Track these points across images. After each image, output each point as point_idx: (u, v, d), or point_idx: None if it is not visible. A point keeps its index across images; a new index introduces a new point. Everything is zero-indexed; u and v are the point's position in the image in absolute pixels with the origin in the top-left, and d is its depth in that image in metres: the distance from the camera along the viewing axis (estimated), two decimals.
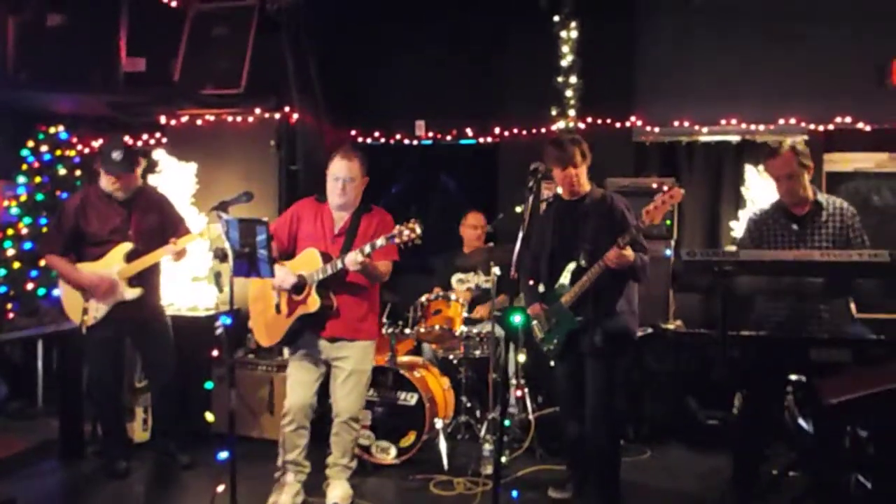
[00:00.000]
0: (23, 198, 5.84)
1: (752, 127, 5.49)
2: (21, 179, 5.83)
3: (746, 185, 5.23)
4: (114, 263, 3.92)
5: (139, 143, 6.07)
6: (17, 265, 5.73)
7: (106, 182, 3.98)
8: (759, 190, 5.06)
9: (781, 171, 3.34)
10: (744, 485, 3.53)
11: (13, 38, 5.18)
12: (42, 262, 5.74)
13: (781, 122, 5.41)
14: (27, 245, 5.78)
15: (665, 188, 3.31)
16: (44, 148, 5.87)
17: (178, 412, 4.26)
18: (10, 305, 5.70)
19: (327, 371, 3.62)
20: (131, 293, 3.94)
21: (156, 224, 4.06)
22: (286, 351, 3.82)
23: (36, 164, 5.86)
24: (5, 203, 5.83)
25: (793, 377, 3.41)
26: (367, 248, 3.27)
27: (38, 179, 5.87)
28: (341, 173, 3.52)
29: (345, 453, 3.65)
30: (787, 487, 3.56)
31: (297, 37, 5.27)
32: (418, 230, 3.18)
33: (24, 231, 5.80)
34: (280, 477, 3.64)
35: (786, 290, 3.27)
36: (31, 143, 5.86)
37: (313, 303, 3.42)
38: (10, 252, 5.74)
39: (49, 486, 3.93)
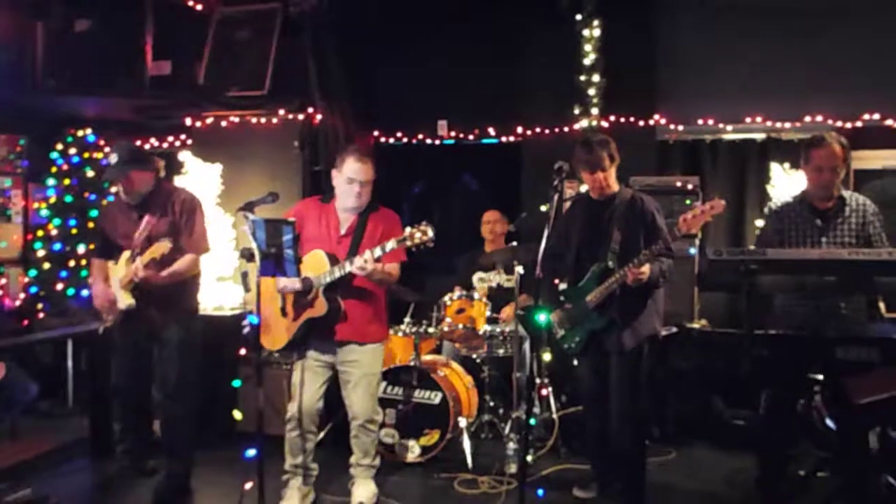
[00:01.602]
0: (52, 199, 5.96)
1: (778, 124, 5.43)
2: (50, 182, 5.95)
3: (772, 182, 5.18)
4: (120, 270, 3.78)
5: (164, 146, 6.17)
6: (46, 266, 5.85)
7: (116, 186, 3.92)
8: (785, 188, 5.01)
9: (826, 163, 3.32)
10: (770, 486, 3.50)
11: (42, 43, 5.27)
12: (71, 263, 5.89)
13: (808, 119, 5.34)
14: (56, 246, 5.90)
15: (693, 197, 3.27)
16: (72, 151, 5.98)
17: (187, 432, 3.94)
18: (40, 306, 5.82)
19: (334, 375, 3.56)
20: (123, 302, 3.69)
21: (164, 230, 3.75)
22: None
23: (65, 167, 5.97)
24: (35, 205, 5.95)
25: (819, 376, 3.39)
26: (378, 252, 3.18)
27: (66, 181, 5.99)
28: (359, 176, 3.43)
29: (366, 453, 3.64)
30: (816, 488, 3.53)
31: (319, 38, 5.31)
32: (430, 233, 3.10)
33: (54, 232, 5.92)
34: (288, 481, 3.59)
35: (807, 288, 3.25)
36: (59, 146, 5.98)
37: (321, 306, 3.34)
38: (41, 253, 5.86)
39: (80, 483, 3.99)
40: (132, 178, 3.77)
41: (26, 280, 5.85)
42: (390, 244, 3.16)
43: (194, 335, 3.91)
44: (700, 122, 5.57)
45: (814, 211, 3.41)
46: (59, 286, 5.85)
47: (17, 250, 5.83)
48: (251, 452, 2.92)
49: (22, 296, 5.82)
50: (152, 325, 3.78)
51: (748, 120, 5.47)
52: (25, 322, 5.72)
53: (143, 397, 4.07)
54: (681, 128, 5.61)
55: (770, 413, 3.59)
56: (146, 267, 3.56)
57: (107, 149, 6.13)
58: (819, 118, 5.32)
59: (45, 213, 5.95)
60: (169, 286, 3.73)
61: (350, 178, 3.44)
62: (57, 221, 5.92)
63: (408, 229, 3.14)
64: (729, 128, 5.54)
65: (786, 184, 5.03)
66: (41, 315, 5.81)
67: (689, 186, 5.09)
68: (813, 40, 5.29)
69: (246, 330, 3.24)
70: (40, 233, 5.92)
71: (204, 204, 4.00)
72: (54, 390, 5.40)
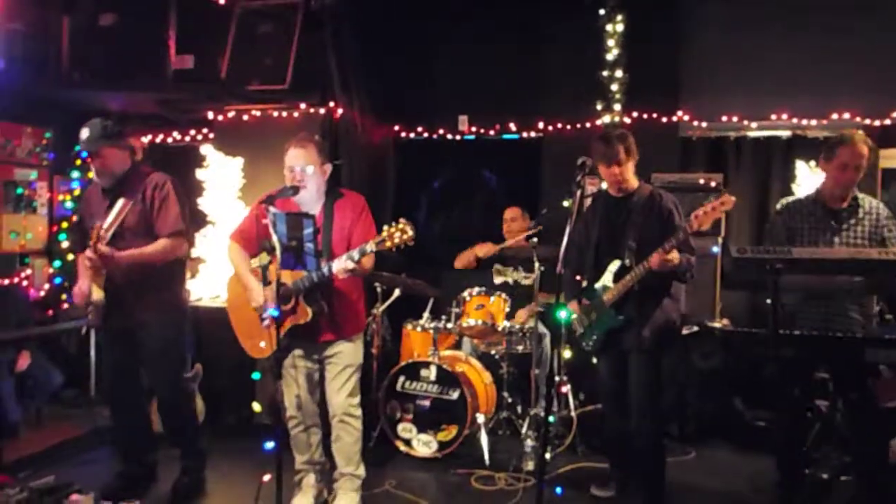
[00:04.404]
0: (76, 192, 6.03)
1: (804, 122, 5.35)
2: (74, 174, 6.03)
3: (797, 181, 5.11)
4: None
5: (187, 140, 6.21)
6: (70, 257, 5.92)
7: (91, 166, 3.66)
8: (811, 186, 4.93)
9: (852, 161, 3.28)
10: (791, 488, 3.45)
11: (67, 37, 5.32)
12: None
13: (834, 116, 5.25)
14: None
15: (714, 194, 3.24)
16: None
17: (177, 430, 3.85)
18: (64, 296, 5.90)
19: (322, 366, 3.49)
20: (95, 296, 3.49)
21: (134, 220, 3.52)
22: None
23: (89, 160, 6.01)
24: (60, 197, 6.02)
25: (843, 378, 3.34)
26: (356, 255, 3.08)
27: (90, 174, 6.01)
28: (297, 162, 3.30)
29: (349, 460, 3.46)
30: (838, 492, 3.48)
31: (340, 33, 5.31)
32: (410, 231, 2.98)
33: None
34: (300, 480, 3.56)
35: (820, 289, 3.22)
36: None
37: (304, 314, 3.25)
38: (65, 244, 5.94)
39: (102, 472, 4.01)
40: (105, 155, 3.57)
41: (51, 271, 5.92)
42: (369, 246, 3.05)
43: (178, 332, 3.72)
44: (724, 118, 5.50)
45: (828, 211, 3.37)
46: None
47: (43, 241, 5.91)
48: (270, 444, 2.93)
49: (46, 286, 5.90)
50: (129, 321, 3.57)
51: (773, 117, 5.40)
52: (50, 312, 5.81)
53: (134, 395, 3.80)
54: (704, 124, 5.55)
55: (791, 414, 3.54)
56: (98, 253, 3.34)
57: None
58: (846, 115, 5.23)
59: (69, 205, 6.02)
60: (143, 279, 3.51)
61: (289, 165, 3.34)
62: None
63: (385, 228, 3.02)
64: (754, 125, 5.47)
65: (811, 182, 4.96)
66: (65, 305, 5.89)
67: (713, 184, 5.03)
68: (840, 36, 5.20)
69: (266, 323, 3.23)
70: (65, 224, 5.99)
71: (176, 185, 3.67)
72: (78, 380, 5.47)
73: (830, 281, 3.13)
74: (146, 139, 6.23)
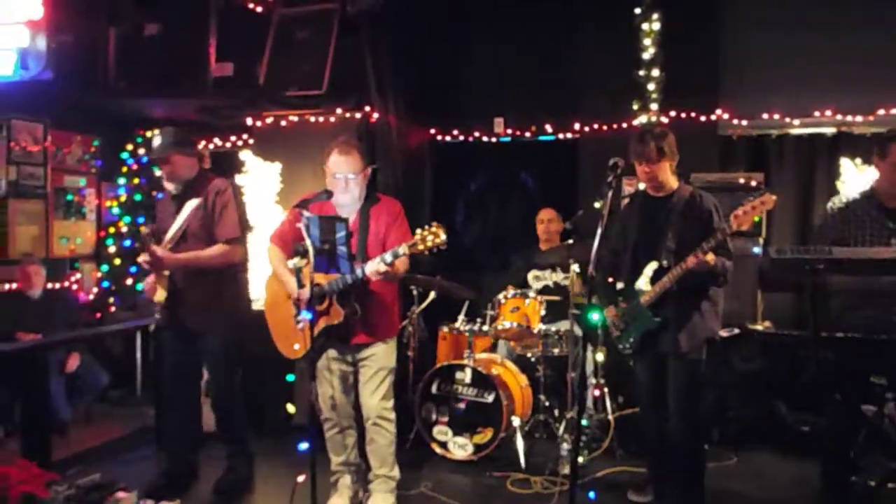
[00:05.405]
0: (123, 198, 6.23)
1: (849, 118, 5.19)
2: (121, 181, 6.22)
3: (842, 179, 4.96)
4: None
5: (227, 145, 6.34)
6: (117, 261, 6.12)
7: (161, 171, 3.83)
8: (856, 184, 4.79)
9: None
10: (835, 494, 3.36)
11: (113, 48, 5.49)
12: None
13: (881, 112, 5.08)
14: (126, 242, 6.17)
15: (754, 194, 3.15)
16: (141, 151, 6.25)
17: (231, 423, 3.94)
18: (111, 300, 6.09)
19: (356, 369, 3.50)
20: (156, 295, 3.70)
21: (197, 226, 3.67)
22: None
23: (134, 167, 6.24)
24: (107, 203, 6.22)
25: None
26: (389, 258, 3.11)
27: (136, 181, 6.25)
28: (341, 169, 3.32)
29: (383, 462, 3.48)
30: (885, 499, 3.37)
31: (376, 38, 5.36)
32: (442, 235, 2.99)
33: (124, 229, 6.19)
34: (336, 481, 3.59)
35: (877, 291, 3.08)
36: (129, 147, 6.25)
37: (336, 314, 3.29)
38: (112, 249, 6.14)
39: (146, 469, 4.13)
40: (174, 161, 3.69)
41: (99, 275, 6.12)
42: (402, 249, 3.07)
43: (236, 336, 3.81)
44: (765, 116, 5.36)
45: (884, 210, 3.22)
46: (129, 281, 6.11)
47: (91, 246, 6.11)
48: (304, 446, 2.97)
49: (95, 290, 6.10)
50: (189, 323, 3.71)
51: (817, 113, 5.24)
52: (98, 315, 6.00)
53: (188, 395, 3.91)
54: (745, 122, 5.42)
55: (837, 419, 3.44)
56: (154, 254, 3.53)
57: None
58: (894, 111, 5.05)
59: (116, 210, 6.23)
60: (202, 283, 3.65)
61: (334, 172, 3.34)
62: (127, 219, 6.20)
63: (418, 232, 3.04)
64: (796, 122, 5.32)
65: (857, 180, 4.82)
66: (112, 308, 6.08)
67: (753, 183, 4.93)
68: (887, 29, 5.03)
69: (300, 325, 3.29)
70: (112, 230, 6.20)
71: (236, 190, 3.82)
72: (124, 380, 5.64)
73: (891, 282, 2.99)
74: None
